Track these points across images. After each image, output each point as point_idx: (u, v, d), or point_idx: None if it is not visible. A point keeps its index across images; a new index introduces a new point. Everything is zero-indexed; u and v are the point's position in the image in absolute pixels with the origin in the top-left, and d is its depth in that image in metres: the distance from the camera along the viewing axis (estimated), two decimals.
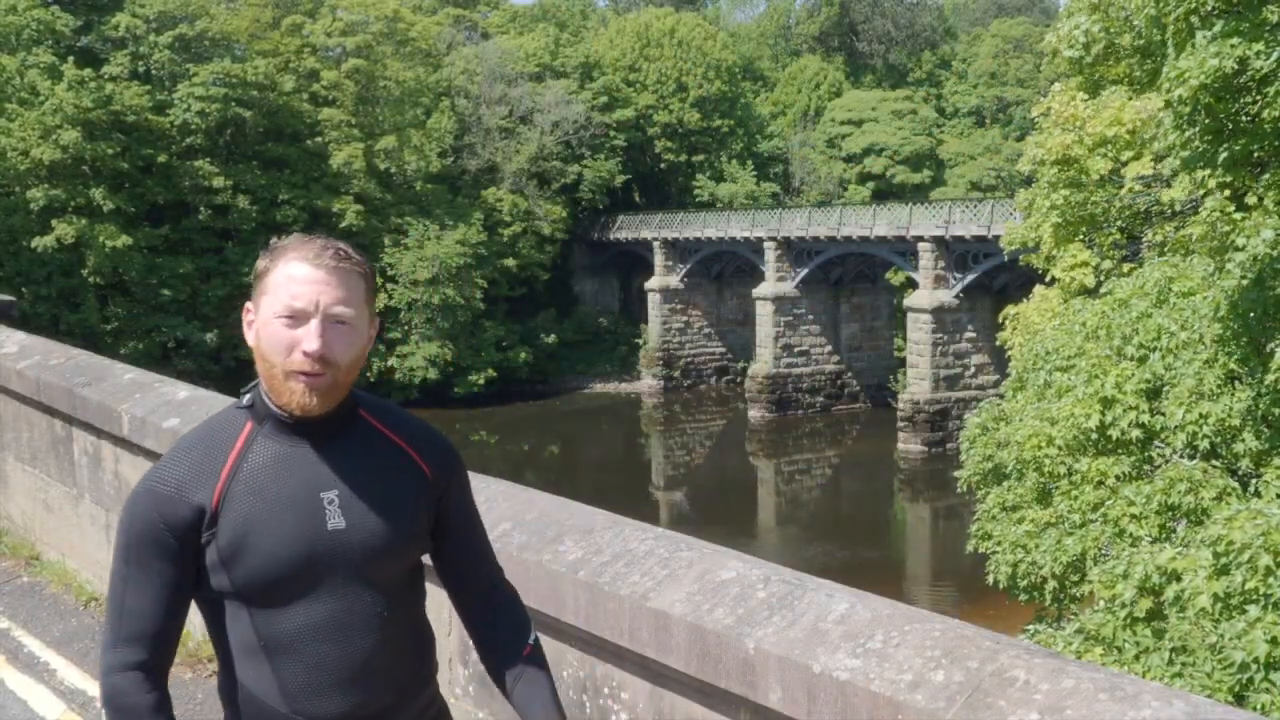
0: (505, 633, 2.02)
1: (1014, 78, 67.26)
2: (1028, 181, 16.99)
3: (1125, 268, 14.06)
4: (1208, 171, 9.40)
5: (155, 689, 1.76)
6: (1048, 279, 15.70)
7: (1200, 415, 8.78)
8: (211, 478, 1.76)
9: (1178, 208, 12.51)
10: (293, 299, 1.75)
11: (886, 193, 58.28)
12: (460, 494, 2.01)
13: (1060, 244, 14.86)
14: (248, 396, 1.85)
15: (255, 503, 1.76)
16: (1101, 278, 13.87)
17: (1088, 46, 14.33)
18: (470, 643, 3.42)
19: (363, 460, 1.85)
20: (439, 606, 3.53)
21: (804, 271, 45.60)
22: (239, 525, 1.75)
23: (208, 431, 1.83)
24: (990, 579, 10.44)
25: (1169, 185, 12.66)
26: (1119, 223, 14.57)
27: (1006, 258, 18.37)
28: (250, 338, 1.82)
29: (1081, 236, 14.96)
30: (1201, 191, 10.47)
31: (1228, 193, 10.23)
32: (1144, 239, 14.56)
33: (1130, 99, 14.12)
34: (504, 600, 2.06)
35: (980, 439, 12.04)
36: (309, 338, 1.74)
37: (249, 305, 1.83)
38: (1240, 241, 8.77)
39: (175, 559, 1.75)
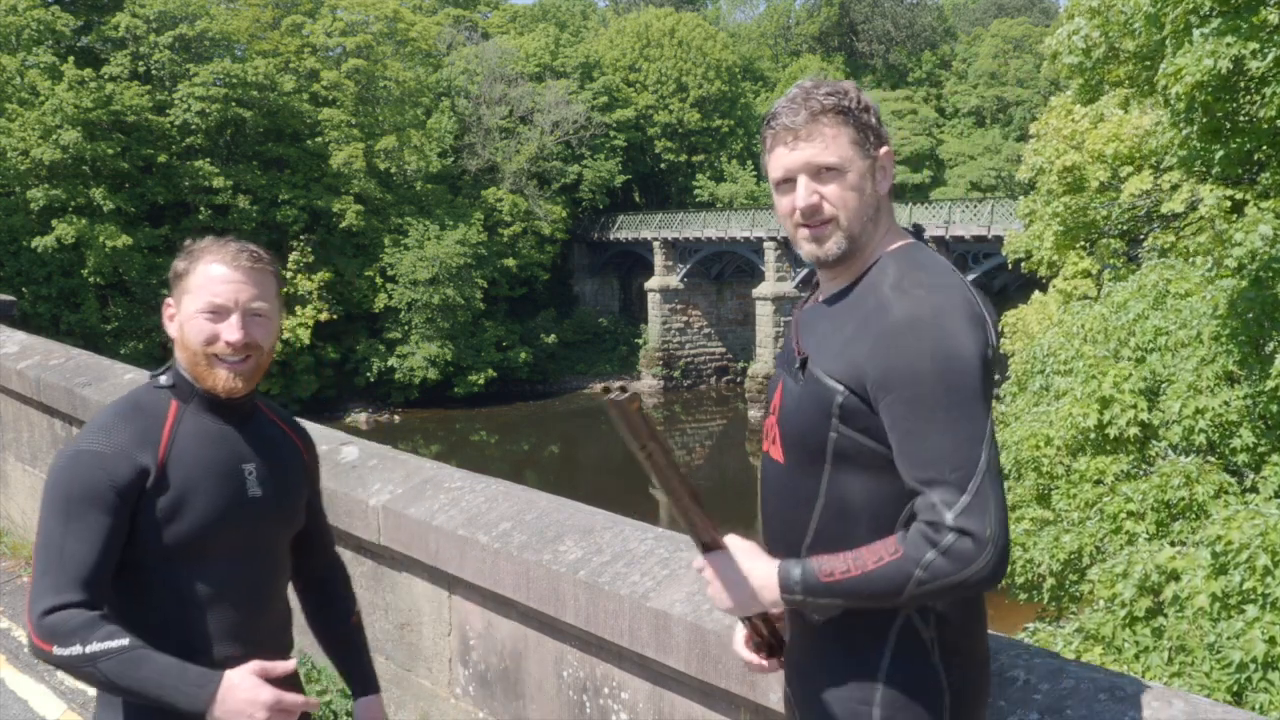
0: (338, 602, 2.34)
1: (1014, 78, 67.27)
2: (1029, 188, 17.01)
3: (1125, 270, 14.07)
4: (1207, 186, 9.42)
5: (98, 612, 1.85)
6: (1049, 289, 15.75)
7: (1197, 410, 8.80)
8: (153, 445, 1.94)
9: (1179, 210, 12.52)
10: (214, 297, 1.98)
11: None
12: (318, 477, 2.33)
13: (1061, 251, 14.90)
14: (165, 378, 2.05)
15: (192, 469, 1.96)
16: (1102, 286, 13.90)
17: (1088, 51, 14.34)
18: (471, 642, 3.43)
19: (267, 440, 2.12)
20: (439, 607, 3.54)
21: (804, 271, 45.57)
22: (179, 488, 1.94)
23: (136, 405, 2.01)
24: None
25: (1169, 197, 12.70)
26: (1120, 226, 14.60)
27: (1010, 266, 18.40)
28: (172, 329, 2.05)
29: (1082, 244, 15.00)
30: (1201, 197, 10.50)
31: (1227, 204, 10.27)
32: (1143, 242, 14.59)
33: (1126, 113, 14.15)
34: (339, 572, 2.38)
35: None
36: (230, 329, 1.98)
37: (169, 300, 2.05)
38: (1238, 237, 8.79)
39: (115, 513, 1.88)
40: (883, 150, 1.75)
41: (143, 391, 2.05)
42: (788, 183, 1.74)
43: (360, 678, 2.31)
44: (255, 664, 1.87)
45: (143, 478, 1.91)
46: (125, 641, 1.80)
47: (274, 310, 2.06)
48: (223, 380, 2.00)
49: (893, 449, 1.62)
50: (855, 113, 1.72)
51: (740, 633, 1.93)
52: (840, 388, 1.66)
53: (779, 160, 1.74)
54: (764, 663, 1.91)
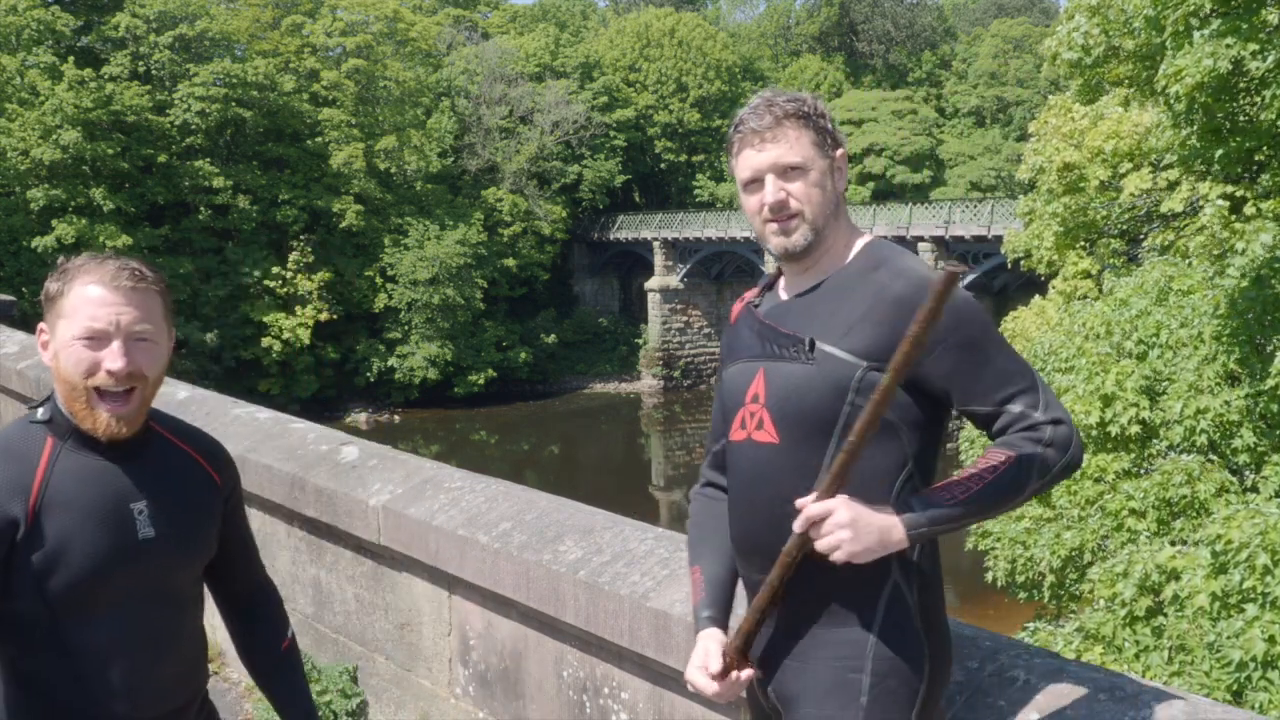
0: (265, 628, 2.16)
1: (1014, 78, 67.25)
2: (1029, 187, 17.04)
3: (1125, 270, 14.08)
4: (1207, 184, 9.42)
5: None
6: (1049, 290, 15.76)
7: (1198, 409, 8.80)
8: (22, 492, 1.75)
9: (1178, 210, 12.52)
10: (92, 320, 1.77)
11: (886, 193, 58.30)
12: (239, 498, 2.11)
13: (1061, 251, 14.91)
14: (42, 411, 1.85)
15: (68, 515, 1.76)
16: (1102, 286, 13.91)
17: (1087, 49, 14.34)
18: (471, 642, 3.43)
19: (163, 472, 1.90)
20: (439, 607, 3.54)
21: None
22: (55, 538, 1.75)
23: (7, 447, 1.81)
24: (989, 576, 10.45)
25: (1169, 196, 12.70)
26: (1120, 226, 14.60)
27: (1009, 265, 18.44)
28: (47, 359, 1.84)
29: (1082, 243, 15.00)
30: (1200, 198, 10.50)
31: (1227, 204, 10.26)
32: (1144, 240, 14.59)
33: (1126, 111, 14.15)
34: (267, 597, 2.20)
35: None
36: (112, 357, 1.76)
37: (42, 326, 1.85)
38: (1239, 246, 8.80)
39: None
40: (839, 152, 1.94)
41: (16, 429, 1.84)
42: (755, 182, 1.90)
43: (294, 712, 2.10)
44: None
45: (13, 529, 1.72)
46: None
47: (160, 334, 1.84)
48: (103, 424, 1.78)
49: (954, 393, 1.82)
50: (814, 118, 1.90)
51: (703, 656, 1.91)
52: (862, 362, 1.80)
53: (747, 161, 1.90)
54: (738, 675, 1.90)
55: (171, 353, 1.91)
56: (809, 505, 1.73)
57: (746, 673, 1.90)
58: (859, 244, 1.95)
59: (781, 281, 2.02)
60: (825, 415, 1.82)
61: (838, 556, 1.72)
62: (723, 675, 1.88)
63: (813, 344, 1.83)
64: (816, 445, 1.83)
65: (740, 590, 2.04)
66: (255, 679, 2.15)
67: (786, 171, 1.87)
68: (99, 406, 1.78)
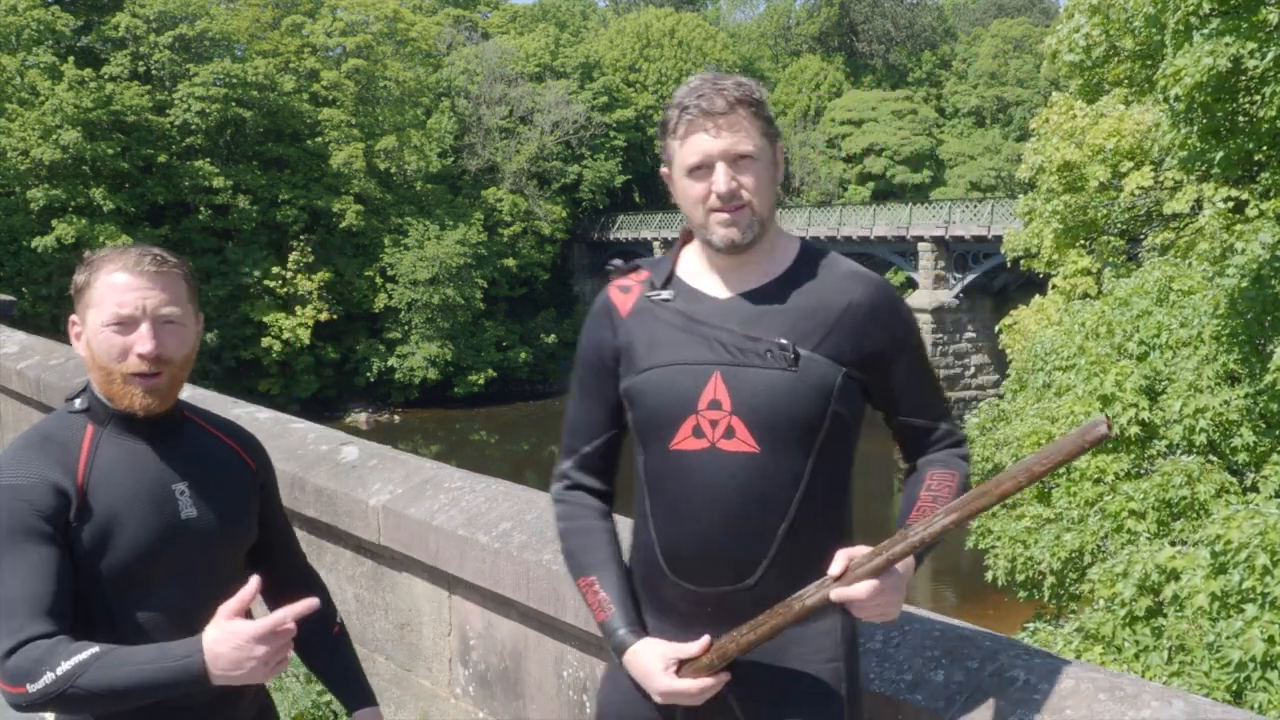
0: (315, 616, 2.11)
1: (1014, 78, 67.24)
2: (1029, 187, 17.05)
3: (1125, 269, 14.08)
4: (1210, 186, 9.43)
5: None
6: (1049, 287, 15.77)
7: (1197, 410, 8.81)
8: (70, 473, 1.80)
9: (1181, 211, 12.53)
10: (120, 306, 1.82)
11: (886, 193, 58.29)
12: (274, 485, 2.16)
13: (1060, 250, 14.92)
14: (79, 401, 1.90)
15: (116, 495, 1.82)
16: (1102, 284, 13.92)
17: (1088, 50, 14.35)
18: (471, 642, 3.43)
19: (201, 455, 1.97)
20: (439, 607, 3.54)
21: None
22: (103, 517, 1.80)
23: (50, 432, 1.86)
24: (989, 575, 10.45)
25: (1170, 196, 12.71)
26: (1120, 225, 14.61)
27: (1009, 264, 18.46)
28: (80, 349, 1.89)
29: (1082, 242, 15.01)
30: (1201, 200, 10.51)
31: (1230, 205, 10.27)
32: (1144, 240, 14.60)
33: (1128, 109, 14.15)
34: (313, 583, 2.21)
35: (979, 439, 12.06)
36: (141, 341, 1.83)
37: (74, 318, 1.90)
38: (1239, 246, 8.82)
39: (51, 541, 1.75)
40: (779, 145, 1.87)
41: (56, 419, 1.90)
42: (703, 168, 1.79)
43: (353, 692, 2.16)
44: (224, 608, 1.70)
45: (66, 505, 1.77)
46: (95, 648, 1.66)
47: (187, 316, 1.90)
48: (138, 400, 1.85)
49: (898, 403, 1.91)
50: (763, 105, 1.82)
51: (660, 662, 1.82)
52: (842, 368, 1.82)
53: (698, 146, 1.79)
54: (710, 681, 1.82)
55: (200, 336, 1.96)
56: (852, 593, 1.71)
57: (724, 676, 1.82)
58: (794, 243, 1.92)
59: (702, 274, 1.91)
60: (811, 422, 1.80)
61: (885, 621, 1.76)
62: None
63: (797, 351, 1.80)
64: (800, 453, 1.80)
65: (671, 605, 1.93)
66: (309, 666, 2.19)
67: (738, 160, 1.79)
68: (132, 384, 1.85)
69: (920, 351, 1.91)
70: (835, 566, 1.72)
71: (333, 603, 2.25)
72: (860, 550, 1.73)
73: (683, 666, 1.81)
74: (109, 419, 1.88)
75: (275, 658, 1.72)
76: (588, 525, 1.97)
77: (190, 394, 4.94)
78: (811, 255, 1.90)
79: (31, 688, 1.64)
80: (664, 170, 1.91)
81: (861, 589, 1.68)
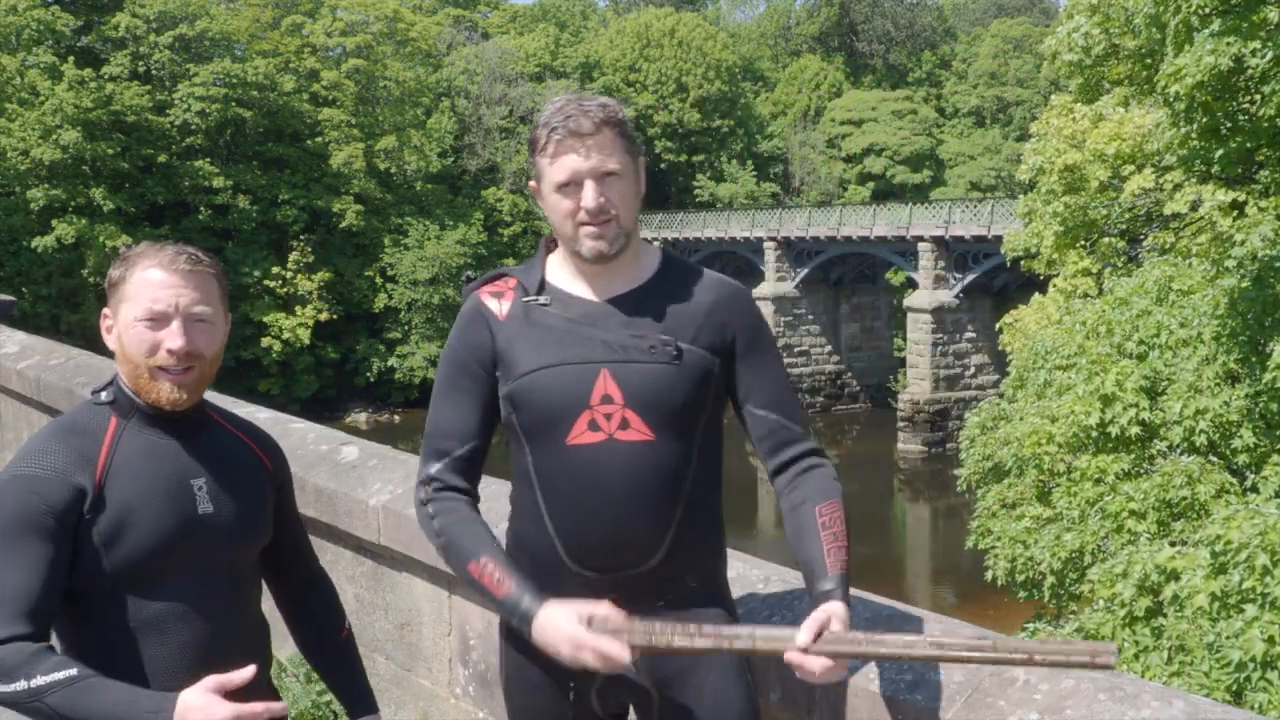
0: (325, 617, 2.21)
1: (1014, 78, 67.28)
2: (1029, 187, 17.07)
3: (1126, 270, 14.09)
4: (1210, 187, 9.43)
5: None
6: (1049, 287, 15.77)
7: (1197, 410, 8.81)
8: (90, 464, 1.83)
9: (1180, 210, 12.53)
10: (153, 303, 1.86)
11: (886, 193, 58.32)
12: (290, 487, 2.18)
13: (1061, 250, 14.93)
14: (105, 393, 1.93)
15: (133, 488, 1.85)
16: (1102, 285, 13.93)
17: (1087, 49, 14.35)
18: (471, 642, 3.43)
19: (220, 453, 1.99)
20: (439, 607, 3.55)
21: (804, 271, 45.58)
22: (120, 509, 1.83)
23: (74, 424, 1.90)
24: (989, 575, 10.45)
25: (1170, 197, 12.72)
26: (1120, 225, 14.62)
27: (1009, 264, 18.48)
28: (111, 342, 1.93)
29: (1082, 243, 15.02)
30: (1201, 200, 10.51)
31: (1228, 203, 10.27)
32: (1144, 241, 14.60)
33: (1128, 111, 14.16)
34: (324, 586, 2.24)
35: (980, 438, 12.06)
36: (172, 337, 1.86)
37: (106, 311, 1.94)
38: (1238, 238, 8.82)
39: (55, 540, 1.77)
40: (641, 160, 2.01)
41: (82, 409, 1.93)
42: (572, 185, 1.91)
43: (355, 697, 2.17)
44: (211, 679, 1.71)
45: (80, 500, 1.80)
46: (74, 671, 1.66)
47: (218, 315, 1.94)
48: (166, 393, 1.88)
49: (754, 393, 2.02)
50: (626, 125, 1.95)
51: (575, 623, 1.78)
52: (715, 358, 1.97)
53: (567, 165, 1.90)
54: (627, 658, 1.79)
55: (228, 335, 2.00)
56: (808, 666, 1.74)
57: (631, 658, 1.80)
58: (656, 252, 2.10)
59: (571, 280, 2.02)
60: (695, 409, 1.95)
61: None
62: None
63: (679, 346, 1.94)
64: (687, 438, 1.95)
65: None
66: (315, 667, 2.21)
67: (604, 177, 1.91)
68: (160, 378, 1.88)
69: (776, 354, 2.07)
70: (805, 634, 1.74)
71: (342, 607, 2.25)
72: (837, 623, 1.78)
73: (592, 624, 1.78)
74: (133, 412, 1.91)
75: None
76: (466, 517, 1.98)
77: None
78: (674, 263, 2.09)
79: (1, 687, 1.65)
80: (533, 184, 2.02)
81: (816, 665, 1.74)
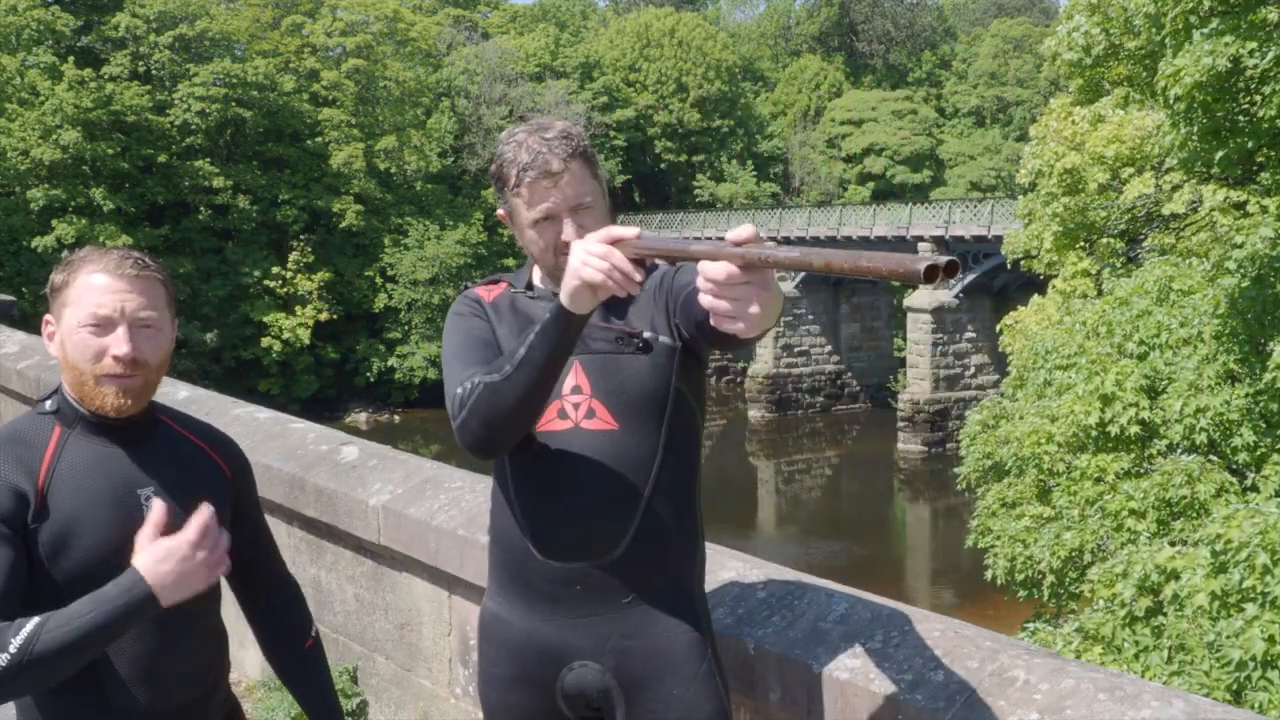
0: (289, 626, 2.16)
1: (1014, 78, 67.27)
2: (1028, 189, 17.08)
3: (1125, 271, 14.09)
4: (1210, 188, 9.42)
5: None
6: (1049, 288, 15.78)
7: (1198, 409, 8.81)
8: (31, 475, 1.79)
9: (1180, 211, 12.53)
10: (98, 308, 1.81)
11: (886, 193, 58.32)
12: (252, 491, 2.13)
13: (1060, 252, 14.94)
14: (50, 402, 1.90)
15: (76, 499, 1.81)
16: (1101, 286, 13.94)
17: (1087, 49, 14.35)
18: (471, 643, 3.43)
19: (171, 460, 1.94)
20: (439, 607, 3.54)
21: (800, 275, 45.50)
22: (62, 521, 1.79)
23: (13, 434, 1.86)
24: (989, 575, 10.45)
25: (1169, 198, 12.72)
26: (1120, 226, 14.62)
27: (1009, 265, 18.48)
28: (53, 349, 1.88)
29: (1081, 244, 15.03)
30: (1200, 201, 10.51)
31: (1229, 203, 10.27)
32: (1144, 241, 14.61)
33: (1127, 113, 14.17)
34: (288, 594, 2.19)
35: (980, 436, 12.06)
36: (118, 343, 1.81)
37: (49, 317, 1.89)
38: (1239, 239, 8.82)
39: (9, 542, 1.75)
40: (603, 174, 2.06)
41: (24, 420, 1.88)
42: (548, 220, 1.95)
43: (320, 711, 2.13)
44: (141, 534, 1.73)
45: (24, 507, 1.76)
46: (36, 619, 1.66)
47: (164, 321, 1.89)
48: (110, 400, 1.83)
49: (691, 308, 1.87)
50: (589, 150, 1.99)
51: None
52: (672, 340, 1.98)
53: (541, 204, 1.94)
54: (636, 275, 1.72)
55: (174, 343, 1.95)
56: (711, 271, 1.50)
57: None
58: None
59: (552, 284, 2.03)
60: (658, 398, 1.97)
61: (730, 326, 1.54)
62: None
63: (642, 335, 1.98)
64: (652, 429, 1.97)
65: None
66: (280, 677, 2.17)
67: (579, 209, 1.95)
68: (105, 384, 1.83)
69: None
70: (735, 233, 1.52)
71: (308, 614, 2.20)
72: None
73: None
74: (77, 421, 1.86)
75: (214, 559, 1.76)
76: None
77: (190, 394, 4.94)
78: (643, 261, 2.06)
79: None
80: (501, 213, 2.07)
81: (719, 270, 1.49)
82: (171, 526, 1.85)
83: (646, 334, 1.99)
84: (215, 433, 2.08)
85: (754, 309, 1.49)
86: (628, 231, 1.71)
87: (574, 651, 1.98)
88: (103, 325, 1.82)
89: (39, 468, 1.80)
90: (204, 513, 1.76)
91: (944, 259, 1.32)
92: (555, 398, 1.95)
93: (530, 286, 2.10)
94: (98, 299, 1.81)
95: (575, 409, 1.96)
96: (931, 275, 1.29)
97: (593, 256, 1.67)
